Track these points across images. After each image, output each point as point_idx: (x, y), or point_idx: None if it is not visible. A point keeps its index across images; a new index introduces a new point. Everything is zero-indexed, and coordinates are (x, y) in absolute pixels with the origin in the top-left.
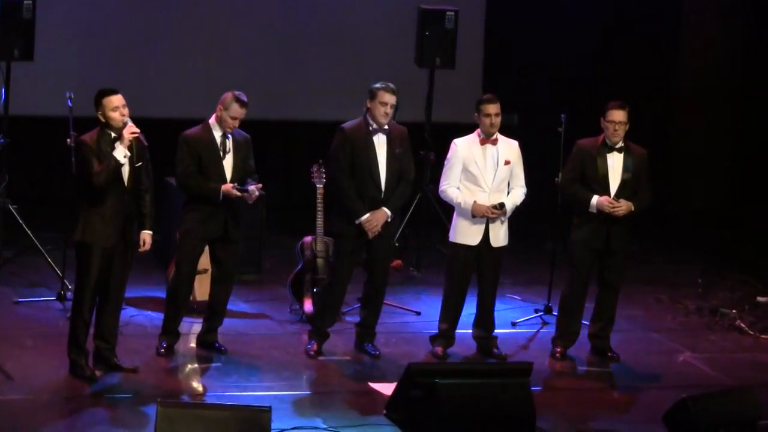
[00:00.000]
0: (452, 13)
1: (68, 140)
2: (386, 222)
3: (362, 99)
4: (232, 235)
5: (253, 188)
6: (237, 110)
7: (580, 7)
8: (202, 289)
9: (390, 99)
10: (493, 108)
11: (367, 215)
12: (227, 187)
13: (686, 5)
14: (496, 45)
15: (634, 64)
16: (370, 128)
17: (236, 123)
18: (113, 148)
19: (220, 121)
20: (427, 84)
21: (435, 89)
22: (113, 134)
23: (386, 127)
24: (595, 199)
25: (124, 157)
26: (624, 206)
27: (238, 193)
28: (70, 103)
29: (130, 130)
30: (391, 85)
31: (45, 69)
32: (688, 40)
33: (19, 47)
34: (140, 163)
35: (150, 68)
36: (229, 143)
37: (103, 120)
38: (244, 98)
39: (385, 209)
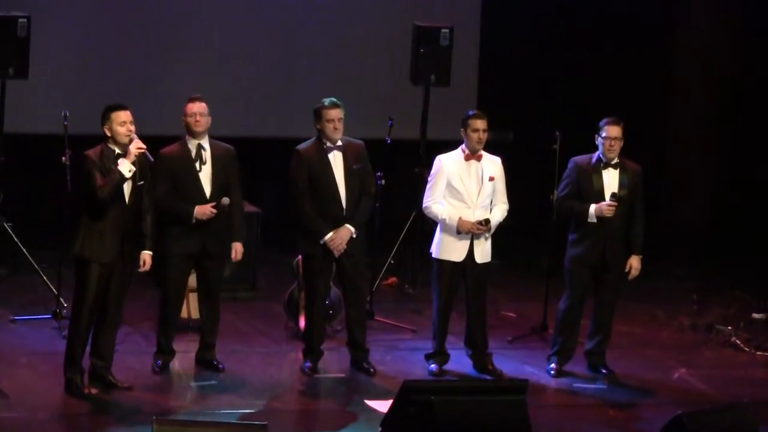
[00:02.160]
0: (447, 30)
1: (63, 158)
2: (351, 239)
3: (358, 117)
4: (212, 251)
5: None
6: (191, 107)
7: (574, 24)
8: (197, 307)
9: (335, 114)
10: (481, 123)
11: (331, 234)
12: (200, 208)
13: (680, 21)
14: (491, 62)
15: (628, 80)
16: (325, 146)
17: (201, 120)
18: (116, 165)
19: (189, 130)
20: (422, 101)
21: (430, 106)
22: (117, 150)
23: (340, 143)
24: (592, 207)
25: (129, 171)
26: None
27: (215, 210)
28: (65, 121)
29: (137, 145)
30: (334, 99)
31: (40, 87)
32: (681, 55)
33: (14, 65)
34: (142, 182)
35: (145, 86)
36: (206, 154)
37: (108, 134)
38: (194, 95)
39: (349, 226)
